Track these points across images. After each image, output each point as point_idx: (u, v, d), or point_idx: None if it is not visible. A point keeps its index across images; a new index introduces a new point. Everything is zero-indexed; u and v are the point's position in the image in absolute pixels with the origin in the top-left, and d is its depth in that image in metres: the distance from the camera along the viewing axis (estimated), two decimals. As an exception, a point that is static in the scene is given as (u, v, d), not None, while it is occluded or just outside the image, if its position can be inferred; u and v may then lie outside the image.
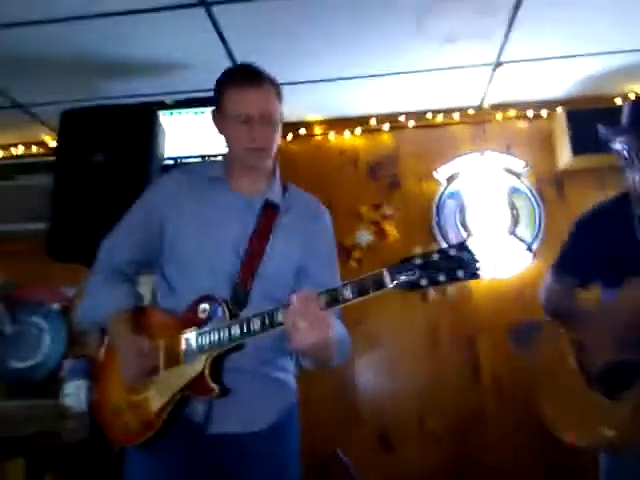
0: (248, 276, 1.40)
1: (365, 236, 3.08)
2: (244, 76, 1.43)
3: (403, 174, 3.21)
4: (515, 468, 2.74)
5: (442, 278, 1.06)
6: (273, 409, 1.45)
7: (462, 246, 1.08)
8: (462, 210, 3.05)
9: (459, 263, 1.07)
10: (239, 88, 1.42)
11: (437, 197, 3.09)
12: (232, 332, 1.25)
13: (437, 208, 3.07)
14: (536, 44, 2.65)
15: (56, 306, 3.26)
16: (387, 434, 2.86)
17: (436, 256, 1.08)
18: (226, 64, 2.66)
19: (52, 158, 3.07)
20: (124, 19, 2.33)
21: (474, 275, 1.07)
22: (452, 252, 1.07)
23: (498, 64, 2.79)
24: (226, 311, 1.30)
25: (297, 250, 1.48)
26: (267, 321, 1.21)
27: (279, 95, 1.49)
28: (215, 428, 1.38)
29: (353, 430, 2.87)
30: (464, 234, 2.98)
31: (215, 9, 2.31)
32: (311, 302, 1.14)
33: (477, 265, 1.07)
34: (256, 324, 1.23)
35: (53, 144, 3.41)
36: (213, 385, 1.26)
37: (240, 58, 2.64)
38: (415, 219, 3.12)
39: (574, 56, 2.76)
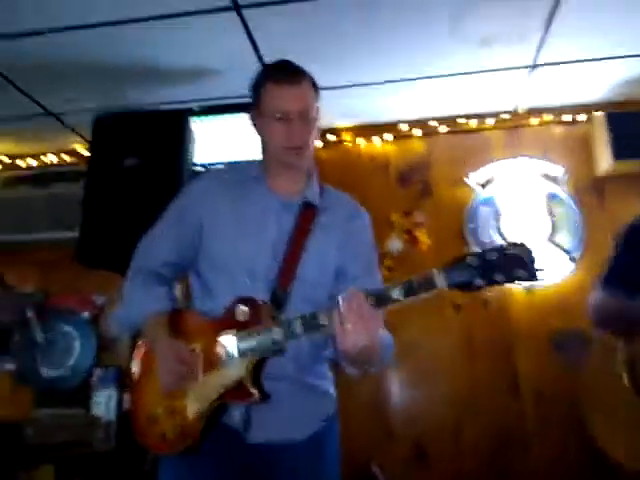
0: (287, 278, 1.36)
1: (396, 244, 3.01)
2: (282, 73, 1.40)
3: (435, 180, 3.14)
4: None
5: (500, 278, 1.02)
6: (314, 418, 1.41)
7: (521, 245, 1.03)
8: (497, 217, 2.95)
9: (518, 263, 1.01)
10: (277, 85, 1.38)
11: (470, 203, 3.01)
12: (273, 335, 1.21)
13: (470, 215, 2.99)
14: (574, 46, 2.57)
15: (86, 315, 3.27)
16: (422, 448, 2.76)
17: (493, 255, 1.03)
18: (256, 70, 2.69)
19: (84, 167, 3.13)
20: (155, 24, 2.34)
21: (534, 276, 1.01)
22: (510, 251, 1.03)
23: (534, 67, 2.72)
24: (266, 314, 1.25)
25: (336, 251, 1.43)
26: (309, 323, 1.17)
27: (317, 93, 1.45)
28: (254, 437, 1.33)
29: (387, 443, 2.79)
30: (500, 241, 2.88)
31: (246, 13, 2.30)
32: (359, 302, 1.10)
33: (537, 265, 1.01)
34: (298, 327, 1.19)
35: (85, 153, 3.44)
36: (253, 390, 1.21)
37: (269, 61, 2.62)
38: (447, 226, 3.04)
39: (613, 58, 2.68)
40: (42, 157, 3.53)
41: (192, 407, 1.28)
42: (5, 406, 3.14)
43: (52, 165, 3.50)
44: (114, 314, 1.46)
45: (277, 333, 1.20)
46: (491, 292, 2.84)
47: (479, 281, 1.03)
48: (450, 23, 2.39)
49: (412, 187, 3.13)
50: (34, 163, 3.54)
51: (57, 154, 3.52)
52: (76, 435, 2.58)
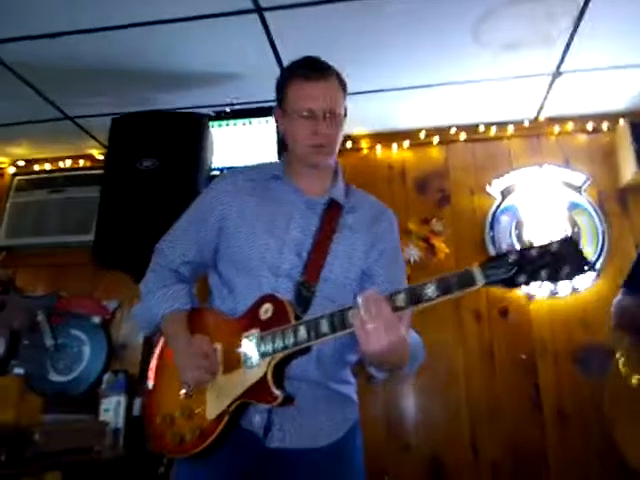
0: (312, 277, 1.31)
1: (414, 252, 2.94)
2: (308, 69, 1.36)
3: (453, 188, 3.08)
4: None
5: (544, 275, 0.97)
6: (337, 425, 1.34)
7: (566, 241, 0.98)
8: (518, 225, 2.89)
9: (563, 259, 0.96)
10: (302, 82, 1.35)
11: (491, 212, 2.94)
12: (298, 334, 1.15)
13: (491, 223, 2.92)
14: (599, 52, 2.53)
15: (97, 319, 3.23)
16: (439, 461, 2.66)
17: (535, 252, 0.99)
18: (275, 74, 2.67)
19: (99, 171, 3.12)
20: (175, 27, 2.33)
21: (580, 271, 0.96)
22: (554, 248, 0.98)
23: (558, 74, 2.67)
24: (291, 313, 1.20)
25: (362, 253, 1.39)
26: (336, 322, 1.11)
27: (344, 89, 1.41)
28: (274, 441, 1.27)
29: (403, 455, 2.69)
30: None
31: (268, 15, 2.28)
32: (379, 302, 1.05)
33: (584, 261, 0.96)
34: (324, 325, 1.13)
35: (101, 157, 3.44)
36: (277, 391, 1.15)
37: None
38: (466, 235, 2.97)
39: (638, 66, 2.63)
40: (58, 162, 3.53)
41: (211, 408, 1.22)
42: (13, 411, 3.09)
43: (68, 169, 3.49)
44: (133, 311, 1.42)
45: (302, 332, 1.15)
46: (517, 297, 2.79)
47: (522, 278, 0.98)
48: (473, 28, 2.36)
49: (430, 195, 3.08)
50: (49, 167, 3.54)
51: (73, 158, 3.51)
52: (84, 441, 2.51)
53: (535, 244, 1.00)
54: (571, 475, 2.56)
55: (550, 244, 0.98)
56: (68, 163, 3.52)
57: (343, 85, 1.40)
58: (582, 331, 2.72)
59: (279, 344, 1.17)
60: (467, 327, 2.83)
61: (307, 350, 1.19)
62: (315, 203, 1.41)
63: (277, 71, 2.62)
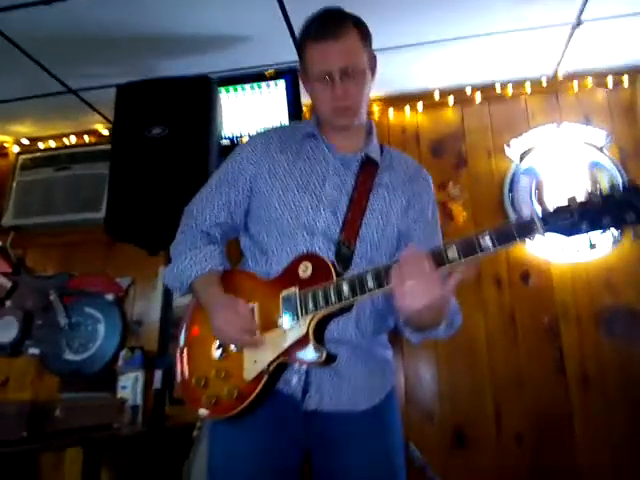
0: (350, 235, 1.26)
1: (431, 218, 2.86)
2: (321, 28, 1.28)
3: (470, 151, 2.99)
4: (607, 469, 2.47)
5: (607, 221, 0.93)
6: (376, 388, 1.31)
7: (631, 188, 0.92)
8: (539, 187, 2.80)
9: (628, 205, 0.91)
10: (316, 43, 1.27)
11: (509, 174, 2.85)
12: (342, 291, 1.11)
13: (510, 185, 2.83)
14: (621, -1, 2.40)
15: (110, 297, 3.18)
16: (462, 431, 2.62)
17: (598, 199, 0.94)
18: (284, 37, 2.58)
19: (106, 146, 3.04)
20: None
21: None
22: (618, 194, 0.93)
23: (578, 24, 2.55)
24: (332, 270, 1.15)
25: (399, 211, 1.34)
26: (382, 277, 1.07)
27: (364, 38, 1.31)
28: (312, 404, 1.23)
29: (426, 426, 2.65)
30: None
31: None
32: (420, 259, 1.01)
33: None
34: (369, 281, 1.08)
35: (105, 132, 3.36)
36: (321, 348, 1.11)
37: (298, 29, 2.49)
38: (484, 198, 2.89)
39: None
40: (64, 139, 3.46)
41: (249, 368, 1.18)
42: (31, 391, 3.08)
43: (73, 146, 3.42)
44: (164, 274, 1.38)
45: (346, 289, 1.11)
46: (538, 261, 2.71)
47: (585, 226, 0.94)
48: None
49: (446, 159, 2.98)
50: (54, 144, 3.46)
51: (77, 135, 3.44)
52: (103, 418, 2.49)
53: (597, 191, 0.95)
54: (596, 440, 2.51)
55: (614, 190, 0.93)
56: (73, 140, 3.44)
57: (364, 34, 1.31)
58: (607, 295, 2.65)
59: (321, 301, 1.13)
60: (487, 293, 2.76)
61: (348, 309, 1.15)
62: (350, 160, 1.35)
63: (286, 33, 2.55)
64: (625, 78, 2.87)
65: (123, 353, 3.02)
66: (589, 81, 2.91)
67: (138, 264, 3.09)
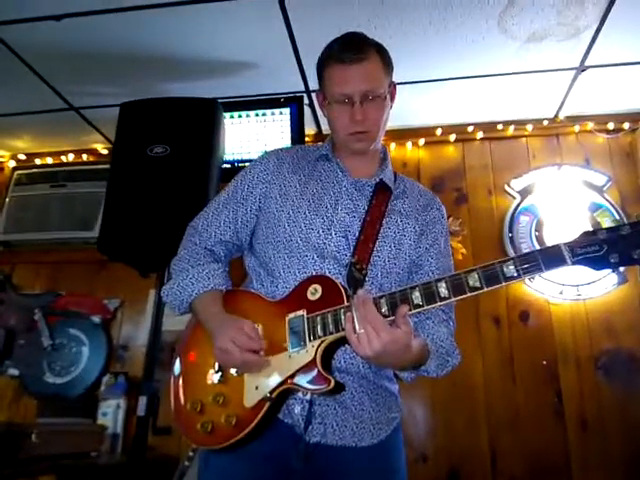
0: (363, 260, 1.22)
1: (429, 253, 2.83)
2: (342, 50, 1.26)
3: (470, 188, 2.99)
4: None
5: (637, 256, 0.91)
6: (383, 424, 1.24)
7: None
8: (539, 226, 2.78)
9: None
10: (336, 65, 1.26)
11: (510, 211, 2.84)
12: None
13: (509, 223, 2.82)
14: (625, 47, 2.45)
15: (97, 319, 3.09)
16: (457, 472, 2.52)
17: (627, 229, 0.92)
18: (292, 65, 2.59)
19: (104, 166, 3.01)
20: (187, 10, 2.23)
21: None
22: None
23: (581, 69, 2.59)
24: (343, 293, 1.10)
25: (411, 239, 1.30)
26: (399, 304, 1.04)
27: (386, 65, 1.30)
28: (316, 436, 1.15)
29: (421, 467, 2.55)
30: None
31: (287, 1, 2.19)
32: (368, 307, 1.00)
33: None
34: (383, 306, 1.05)
35: (105, 152, 3.34)
36: (329, 376, 1.04)
37: (305, 57, 2.51)
38: (484, 235, 2.87)
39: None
40: (61, 156, 3.42)
41: (250, 394, 1.11)
42: (8, 413, 2.95)
43: (70, 164, 3.38)
44: (164, 290, 1.31)
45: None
46: (538, 300, 2.67)
47: (614, 258, 0.91)
48: (498, 17, 2.28)
49: (446, 194, 2.97)
50: (51, 161, 3.42)
51: (76, 152, 3.41)
52: (81, 446, 2.38)
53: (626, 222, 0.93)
54: (594, 486, 2.42)
55: None
56: (71, 157, 3.41)
57: (386, 61, 1.30)
58: (606, 337, 2.61)
59: (330, 326, 1.07)
60: (486, 332, 2.70)
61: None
62: (364, 185, 1.32)
63: (294, 62, 2.57)
64: (626, 125, 2.90)
65: (106, 378, 2.91)
66: (590, 125, 2.94)
67: (128, 286, 3.01)
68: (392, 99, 1.33)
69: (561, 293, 2.67)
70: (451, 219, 2.89)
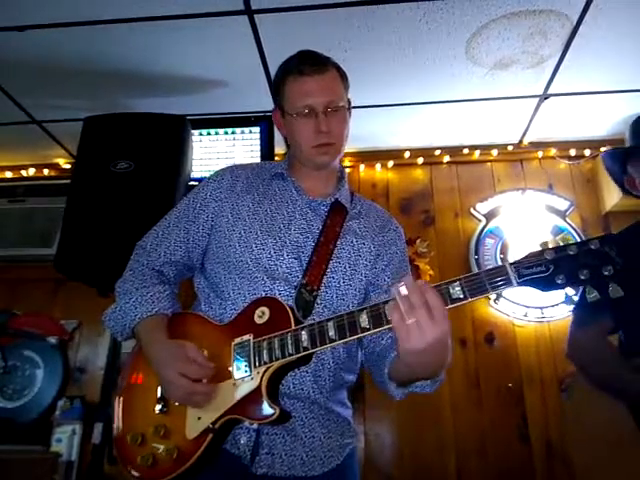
0: (314, 282, 1.17)
1: (397, 274, 2.83)
2: (303, 64, 1.25)
3: (437, 210, 3.02)
4: None
5: (584, 276, 0.86)
6: (335, 451, 1.18)
7: (605, 240, 0.88)
8: (504, 248, 2.83)
9: (605, 259, 0.86)
10: (297, 78, 1.24)
11: (476, 234, 2.88)
12: (300, 339, 1.01)
13: (475, 246, 2.85)
14: (586, 77, 2.53)
15: (53, 340, 2.94)
16: (423, 498, 2.49)
17: (573, 249, 0.88)
18: (262, 84, 2.58)
19: (66, 181, 2.91)
20: (158, 25, 2.21)
21: (620, 274, 0.85)
22: (594, 246, 0.87)
23: (545, 97, 2.67)
24: (291, 316, 1.05)
25: (367, 260, 1.26)
26: (347, 326, 0.97)
27: (345, 80, 1.30)
28: (263, 467, 1.09)
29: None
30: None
31: (258, 18, 2.19)
32: (425, 289, 0.88)
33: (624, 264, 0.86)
34: (331, 329, 0.98)
35: (67, 167, 3.25)
36: (273, 406, 0.99)
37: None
38: (451, 256, 2.90)
39: (622, 91, 2.65)
40: (21, 170, 3.31)
41: (192, 425, 1.04)
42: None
43: (31, 178, 3.27)
44: (105, 314, 1.22)
45: (305, 338, 1.00)
46: (503, 322, 2.69)
47: (561, 279, 0.87)
48: (465, 45, 2.33)
49: (414, 216, 3.00)
50: (10, 175, 3.31)
51: (37, 167, 3.30)
52: (32, 475, 2.25)
53: (576, 241, 0.91)
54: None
55: (588, 242, 0.88)
56: (32, 172, 3.30)
57: (343, 76, 1.30)
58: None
59: (277, 351, 1.02)
60: (452, 353, 2.70)
61: (307, 361, 1.05)
62: (319, 205, 1.29)
63: (264, 81, 2.56)
64: (587, 152, 2.99)
65: (61, 402, 2.78)
66: (553, 151, 3.02)
67: (86, 307, 2.89)
68: (349, 115, 1.31)
69: (526, 315, 2.70)
70: (419, 241, 2.91)
